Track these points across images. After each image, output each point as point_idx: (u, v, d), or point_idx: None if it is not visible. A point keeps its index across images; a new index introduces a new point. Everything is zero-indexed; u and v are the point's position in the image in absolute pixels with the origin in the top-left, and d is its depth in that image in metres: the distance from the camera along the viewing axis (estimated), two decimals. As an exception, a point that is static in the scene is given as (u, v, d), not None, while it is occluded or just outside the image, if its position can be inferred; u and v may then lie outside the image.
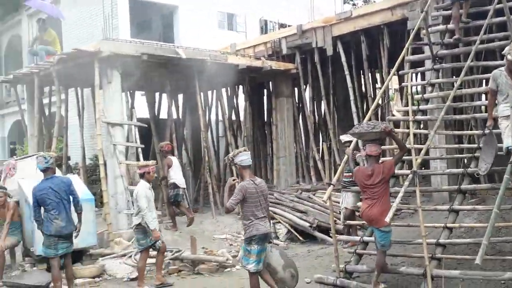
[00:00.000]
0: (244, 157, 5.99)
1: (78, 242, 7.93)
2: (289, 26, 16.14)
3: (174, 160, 10.66)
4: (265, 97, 15.13)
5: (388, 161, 6.42)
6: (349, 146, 7.69)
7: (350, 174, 8.63)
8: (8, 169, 8.82)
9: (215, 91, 14.81)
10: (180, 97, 15.41)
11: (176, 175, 10.48)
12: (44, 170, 6.72)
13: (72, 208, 6.78)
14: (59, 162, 11.93)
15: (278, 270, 5.91)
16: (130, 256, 8.12)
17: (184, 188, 10.55)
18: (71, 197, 6.73)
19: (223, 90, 14.74)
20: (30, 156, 9.56)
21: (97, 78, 9.77)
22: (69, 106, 13.64)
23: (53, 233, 6.50)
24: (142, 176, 7.41)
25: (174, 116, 13.70)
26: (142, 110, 14.09)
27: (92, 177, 14.34)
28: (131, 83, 11.36)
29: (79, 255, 8.20)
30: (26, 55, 14.66)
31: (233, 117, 14.86)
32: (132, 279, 7.61)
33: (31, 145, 12.76)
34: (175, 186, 10.37)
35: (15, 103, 19.74)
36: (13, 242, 8.17)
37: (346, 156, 7.33)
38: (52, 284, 7.12)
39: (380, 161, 6.26)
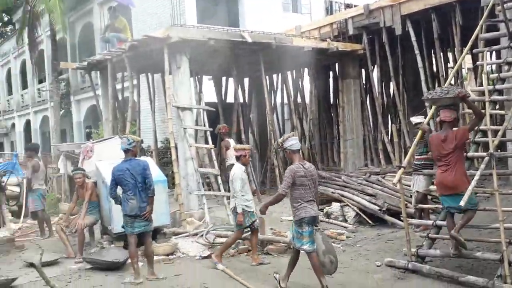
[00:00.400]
0: (293, 141, 6.09)
1: (153, 221, 8.32)
2: (355, 6, 15.80)
3: (232, 142, 10.94)
4: (331, 79, 14.96)
5: (462, 127, 6.27)
6: (420, 128, 7.50)
7: (422, 156, 8.44)
8: (86, 151, 9.25)
9: (280, 74, 14.82)
10: (246, 80, 15.55)
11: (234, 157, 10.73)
12: (125, 151, 7.02)
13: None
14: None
15: (318, 254, 5.98)
16: (202, 235, 8.38)
17: None
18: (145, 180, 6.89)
19: (289, 72, 14.71)
20: (106, 140, 9.99)
21: (167, 63, 10.03)
22: (141, 91, 14.11)
23: (128, 213, 6.79)
24: (238, 158, 7.48)
25: (241, 99, 13.85)
26: (209, 95, 14.35)
27: (164, 159, 14.82)
28: (199, 68, 11.59)
29: (153, 234, 8.50)
30: (99, 42, 15.26)
31: (299, 100, 14.82)
32: (204, 257, 7.84)
33: (106, 129, 13.34)
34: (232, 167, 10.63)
35: (90, 89, 20.67)
36: (92, 221, 8.60)
37: (416, 138, 7.16)
38: (129, 261, 7.52)
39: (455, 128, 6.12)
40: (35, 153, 10.48)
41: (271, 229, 9.14)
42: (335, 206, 10.41)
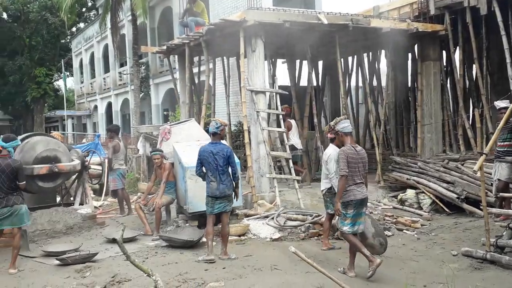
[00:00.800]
0: (346, 124, 6.24)
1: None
2: (437, -15, 15.02)
3: (293, 123, 11.02)
4: (409, 61, 14.42)
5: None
6: (504, 113, 7.07)
7: (505, 143, 8.00)
8: (164, 133, 9.53)
9: (356, 56, 14.48)
10: (320, 63, 15.34)
11: (295, 138, 11.24)
12: (213, 134, 7.25)
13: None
14: (207, 128, 12.66)
15: (368, 236, 6.23)
16: (273, 218, 8.45)
17: (301, 149, 11.35)
18: (229, 167, 7.08)
19: (365, 55, 14.34)
20: (183, 122, 10.24)
21: (242, 47, 10.08)
22: (216, 75, 14.32)
23: (209, 194, 7.06)
24: (332, 140, 7.25)
25: (314, 83, 13.71)
26: (283, 78, 14.31)
27: (237, 142, 15.02)
28: (273, 51, 11.55)
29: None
30: (177, 26, 15.57)
31: (374, 83, 14.44)
32: (274, 240, 7.92)
33: (183, 112, 13.69)
34: (293, 148, 10.94)
35: (168, 73, 21.26)
36: (169, 200, 8.91)
37: (501, 123, 6.77)
38: (203, 239, 7.76)
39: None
40: (116, 134, 10.98)
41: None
42: (410, 193, 10.14)
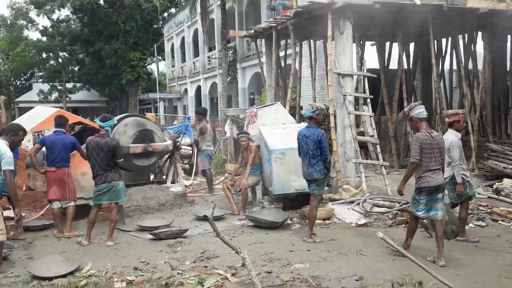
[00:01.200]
0: (421, 109, 6.15)
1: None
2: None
3: (366, 108, 10.72)
4: (508, 44, 13.51)
5: None
6: None
7: None
8: (250, 116, 9.70)
9: (450, 38, 13.78)
10: (411, 46, 14.78)
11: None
12: (308, 118, 7.30)
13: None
14: (292, 111, 12.71)
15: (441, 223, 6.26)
16: (358, 203, 8.35)
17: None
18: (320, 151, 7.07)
19: (460, 36, 13.61)
20: (269, 106, 10.35)
21: (330, 29, 9.95)
22: (302, 58, 14.26)
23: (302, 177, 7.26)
24: (450, 125, 7.00)
25: (405, 66, 13.25)
26: (371, 61, 13.96)
27: (322, 126, 14.87)
28: (362, 33, 11.28)
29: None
30: (265, 10, 15.64)
31: (470, 66, 13.68)
32: (360, 225, 7.84)
33: (269, 95, 13.81)
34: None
35: (255, 57, 21.47)
36: (254, 181, 9.08)
37: None
38: (288, 221, 7.87)
39: None
40: (204, 117, 11.34)
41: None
42: (507, 182, 9.59)
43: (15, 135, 6.52)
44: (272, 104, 10.39)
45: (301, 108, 14.38)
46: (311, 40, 14.19)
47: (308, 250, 6.59)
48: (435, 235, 6.13)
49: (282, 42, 14.32)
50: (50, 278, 5.54)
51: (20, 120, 11.03)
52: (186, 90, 37.13)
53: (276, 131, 8.90)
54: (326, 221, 8.16)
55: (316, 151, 7.00)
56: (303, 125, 9.62)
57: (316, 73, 14.80)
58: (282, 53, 14.25)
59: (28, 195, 9.84)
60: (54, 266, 5.86)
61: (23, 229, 7.61)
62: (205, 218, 5.62)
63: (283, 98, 12.81)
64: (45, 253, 6.73)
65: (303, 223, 8.13)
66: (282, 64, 14.14)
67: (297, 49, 13.52)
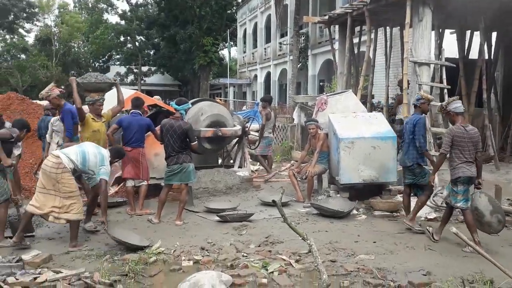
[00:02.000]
0: (457, 104, 6.37)
1: (379, 177, 8.36)
2: None
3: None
4: None
5: None
6: None
7: None
8: (320, 103, 9.59)
9: (539, 27, 12.95)
10: (494, 35, 14.01)
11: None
12: (414, 107, 7.22)
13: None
14: (363, 100, 12.45)
15: (485, 214, 6.22)
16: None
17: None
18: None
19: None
20: (339, 93, 10.19)
21: (408, 16, 9.61)
22: (377, 45, 13.90)
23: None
24: None
25: (486, 56, 12.59)
26: (450, 50, 13.38)
27: (392, 116, 14.53)
28: (441, 21, 10.82)
29: (378, 190, 8.59)
30: (340, -4, 15.41)
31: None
32: (429, 219, 7.59)
33: (340, 83, 13.60)
34: (401, 122, 10.35)
35: (326, 43, 21.21)
36: (321, 170, 9.00)
37: None
38: (353, 212, 7.77)
39: None
40: (269, 104, 11.34)
41: (508, 199, 8.29)
42: None
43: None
44: (343, 92, 10.22)
45: (372, 96, 14.07)
46: (387, 27, 13.79)
47: (374, 242, 6.47)
48: (467, 223, 6.24)
49: (356, 29, 14.04)
50: (126, 244, 5.85)
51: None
52: (255, 76, 37.35)
53: (346, 119, 8.76)
54: (394, 213, 7.97)
55: (411, 137, 6.96)
56: (374, 114, 9.45)
57: (391, 61, 14.40)
58: (355, 40, 13.97)
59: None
60: (131, 237, 6.15)
61: (98, 205, 8.05)
62: (273, 203, 5.65)
63: (354, 86, 12.58)
64: (117, 228, 7.04)
65: (369, 214, 8.00)
66: (355, 51, 13.87)
67: (373, 35, 13.20)
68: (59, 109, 7.62)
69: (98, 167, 6.18)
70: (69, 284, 4.39)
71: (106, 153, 6.43)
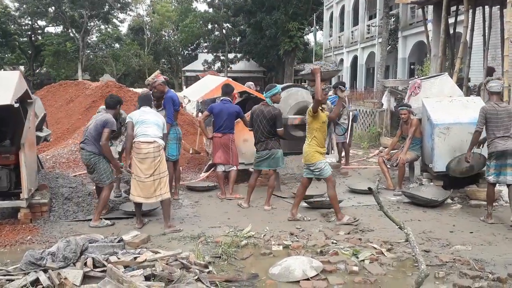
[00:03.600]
0: (494, 84, 6.67)
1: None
2: None
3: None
4: None
5: None
6: None
7: None
8: (413, 87, 9.22)
9: None
10: None
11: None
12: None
13: None
14: (459, 83, 11.82)
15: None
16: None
17: None
18: None
19: None
20: (434, 76, 9.73)
21: (510, -7, 8.98)
22: (474, 26, 13.13)
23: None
24: None
25: None
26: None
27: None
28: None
29: (475, 178, 8.17)
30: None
31: None
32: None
33: (433, 66, 13.01)
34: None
35: (418, 24, 20.35)
36: (413, 157, 8.70)
37: None
38: (448, 201, 7.46)
39: None
40: (340, 90, 10.95)
41: None
42: None
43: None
44: (438, 75, 9.74)
45: (469, 80, 13.33)
46: (486, 6, 12.95)
47: (471, 232, 6.21)
48: (486, 195, 6.77)
49: (452, 9, 13.32)
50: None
51: (192, 88, 11.96)
52: (342, 60, 36.71)
53: (441, 104, 8.37)
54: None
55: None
56: (472, 98, 8.94)
57: (489, 43, 13.54)
58: (451, 20, 13.27)
59: (194, 158, 10.71)
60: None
61: (190, 189, 8.40)
62: (368, 190, 5.56)
63: (449, 69, 11.98)
64: (209, 212, 7.28)
65: (465, 204, 7.65)
66: (450, 32, 13.18)
67: (469, 16, 12.47)
68: (162, 96, 7.86)
69: None
70: (166, 264, 4.60)
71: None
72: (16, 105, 5.88)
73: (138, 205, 6.45)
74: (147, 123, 6.31)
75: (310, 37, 49.62)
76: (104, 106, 7.00)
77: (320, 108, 6.68)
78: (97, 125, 6.48)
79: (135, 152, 6.27)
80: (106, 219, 6.65)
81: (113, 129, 6.54)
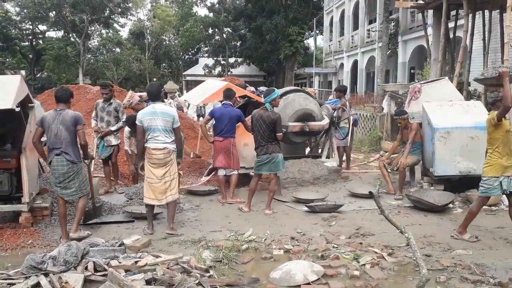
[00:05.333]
0: None
1: (477, 169, 7.91)
2: None
3: None
4: None
5: None
6: None
7: None
8: (413, 92, 9.24)
9: None
10: None
11: None
12: None
13: None
14: (459, 88, 11.85)
15: None
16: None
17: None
18: None
19: None
20: (434, 81, 9.74)
21: (510, -2, 9.02)
22: (474, 30, 13.16)
23: None
24: None
25: None
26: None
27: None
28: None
29: (476, 181, 8.13)
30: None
31: None
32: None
33: (433, 70, 13.04)
34: None
35: (418, 29, 20.37)
36: (414, 161, 8.70)
37: None
38: (450, 205, 7.46)
39: None
40: (343, 95, 10.99)
41: None
42: None
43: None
44: (439, 79, 9.77)
45: (469, 84, 13.35)
46: (486, 10, 12.98)
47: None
48: None
49: (452, 13, 13.36)
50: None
51: (193, 92, 11.96)
52: (342, 64, 36.75)
53: (442, 108, 8.39)
54: (492, 207, 7.56)
55: None
56: (472, 102, 8.95)
57: (489, 47, 13.57)
58: (450, 25, 13.31)
59: (195, 162, 10.71)
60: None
61: (191, 193, 8.41)
62: (370, 195, 5.55)
63: (449, 73, 12.00)
64: (210, 216, 7.28)
65: (465, 208, 7.63)
66: (450, 37, 13.21)
67: (469, 20, 12.51)
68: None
69: None
70: (167, 268, 4.60)
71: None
72: (17, 109, 5.89)
73: (151, 208, 6.46)
74: (157, 130, 6.31)
75: (310, 42, 49.67)
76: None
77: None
78: (68, 126, 5.85)
79: (147, 157, 6.33)
80: (107, 223, 6.65)
81: (84, 123, 6.09)
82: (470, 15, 12.51)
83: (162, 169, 6.30)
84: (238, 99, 9.63)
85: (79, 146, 6.02)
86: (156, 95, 6.59)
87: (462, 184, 8.16)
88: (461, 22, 12.09)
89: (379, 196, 8.37)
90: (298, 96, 9.27)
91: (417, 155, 8.68)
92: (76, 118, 5.92)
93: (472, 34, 12.67)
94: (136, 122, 6.43)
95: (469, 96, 13.08)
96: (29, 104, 6.74)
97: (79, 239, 5.67)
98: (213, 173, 9.18)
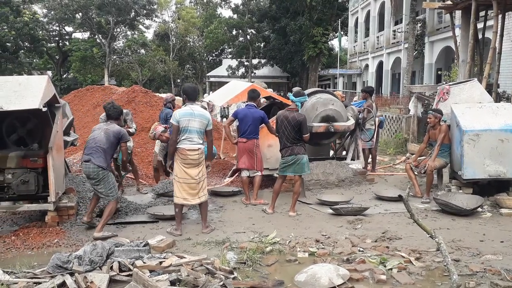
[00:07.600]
0: None
1: (507, 172, 7.76)
2: None
3: None
4: None
5: None
6: None
7: None
8: (442, 93, 9.05)
9: None
10: None
11: None
12: None
13: None
14: (489, 89, 11.59)
15: None
16: None
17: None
18: None
19: None
20: (463, 82, 9.54)
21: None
22: (504, 31, 12.87)
23: None
24: None
25: None
26: None
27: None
28: None
29: (506, 185, 7.97)
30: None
31: None
32: None
33: (462, 71, 12.78)
34: None
35: (445, 30, 20.04)
36: (442, 164, 8.51)
37: None
38: (479, 209, 7.27)
39: None
40: (370, 96, 10.84)
41: None
42: None
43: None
44: (468, 81, 9.55)
45: (498, 86, 13.05)
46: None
47: (502, 242, 6.02)
48: None
49: (480, 14, 13.09)
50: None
51: (217, 93, 11.97)
52: (367, 65, 36.43)
53: (471, 110, 8.20)
54: (524, 212, 7.35)
55: None
56: (502, 105, 8.73)
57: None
58: (479, 25, 13.04)
59: (219, 163, 10.71)
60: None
61: (215, 194, 8.42)
62: (399, 198, 5.44)
63: (478, 74, 11.74)
64: (234, 217, 7.25)
65: (495, 212, 7.45)
66: (479, 37, 12.94)
67: (499, 21, 12.24)
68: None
69: None
70: (192, 269, 4.58)
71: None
72: (44, 109, 5.95)
73: (181, 209, 6.49)
74: (193, 132, 6.35)
75: (334, 43, 49.43)
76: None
77: None
78: (109, 136, 6.35)
79: (180, 157, 6.35)
80: (132, 222, 6.68)
81: (127, 140, 6.62)
82: (500, 16, 12.22)
83: (196, 169, 6.36)
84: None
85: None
86: (194, 96, 6.62)
87: (491, 187, 7.96)
88: (490, 23, 11.83)
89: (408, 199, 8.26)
90: (326, 97, 9.20)
91: (445, 158, 8.49)
92: (120, 133, 6.44)
93: (501, 35, 12.38)
94: (172, 121, 6.43)
95: (499, 98, 12.78)
96: (56, 104, 6.81)
97: (103, 239, 5.74)
98: (236, 174, 9.15)
